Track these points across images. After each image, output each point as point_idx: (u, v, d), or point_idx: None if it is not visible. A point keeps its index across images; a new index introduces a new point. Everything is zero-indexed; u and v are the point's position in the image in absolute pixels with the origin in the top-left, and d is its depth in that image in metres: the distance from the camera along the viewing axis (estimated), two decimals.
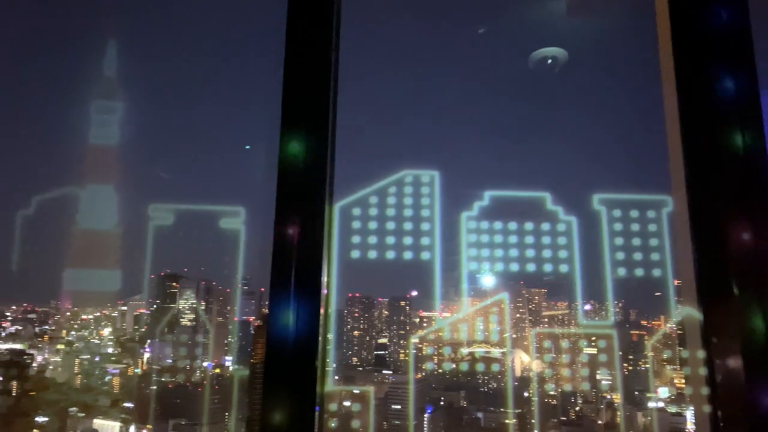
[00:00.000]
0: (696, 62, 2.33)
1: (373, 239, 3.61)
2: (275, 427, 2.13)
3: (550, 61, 3.94)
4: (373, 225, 3.65)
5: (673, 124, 2.43)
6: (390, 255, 3.65)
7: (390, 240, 3.69)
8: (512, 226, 4.10)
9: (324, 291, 2.32)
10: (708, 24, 2.33)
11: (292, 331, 2.20)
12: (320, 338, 2.27)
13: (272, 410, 2.12)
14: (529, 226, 4.10)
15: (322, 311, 2.28)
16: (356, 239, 3.57)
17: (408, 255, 3.74)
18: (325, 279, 2.35)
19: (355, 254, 3.47)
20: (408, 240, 3.78)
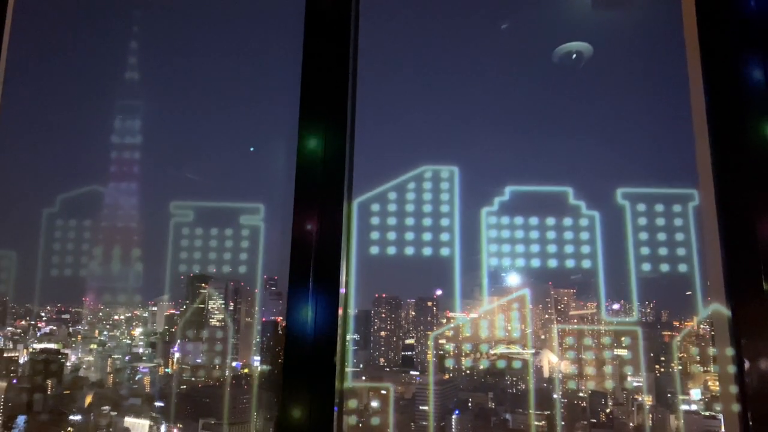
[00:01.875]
0: (723, 51, 2.26)
1: (392, 235, 3.59)
2: (294, 425, 2.13)
3: (574, 56, 3.87)
4: (392, 221, 3.62)
5: (700, 115, 2.37)
6: (409, 251, 3.62)
7: (409, 236, 3.66)
8: (533, 221, 4.04)
9: (342, 290, 2.31)
10: (735, 11, 2.25)
11: (311, 328, 2.20)
12: (339, 336, 2.26)
13: (290, 408, 2.12)
14: (550, 221, 4.03)
15: (340, 311, 2.27)
16: (375, 235, 3.55)
17: (428, 251, 3.70)
18: (343, 278, 2.34)
19: (374, 250, 3.44)
20: (428, 236, 3.74)
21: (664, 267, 3.60)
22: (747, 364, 2.03)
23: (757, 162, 2.13)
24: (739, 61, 2.22)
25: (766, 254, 2.06)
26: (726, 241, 2.18)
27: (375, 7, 2.86)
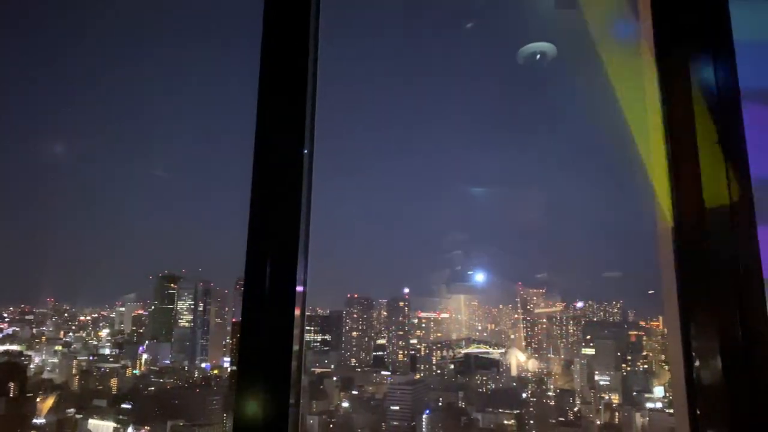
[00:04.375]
0: (677, 50, 2.30)
1: (354, 231, 3.60)
2: (248, 426, 2.10)
3: (539, 56, 3.88)
4: (355, 217, 3.63)
5: (655, 115, 2.40)
6: (372, 248, 3.64)
7: (373, 232, 3.68)
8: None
9: (300, 288, 2.29)
10: (689, 10, 2.30)
11: (266, 326, 2.17)
12: (296, 336, 2.23)
13: (245, 409, 2.09)
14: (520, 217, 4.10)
15: (297, 310, 2.25)
16: (336, 231, 3.55)
17: (391, 248, 3.73)
18: (301, 275, 2.31)
19: (336, 246, 3.45)
20: (391, 233, 3.77)
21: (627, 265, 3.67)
22: (697, 362, 2.07)
23: (708, 160, 2.17)
24: (691, 62, 2.26)
25: (715, 251, 2.10)
26: (678, 238, 2.22)
27: (339, 7, 2.84)
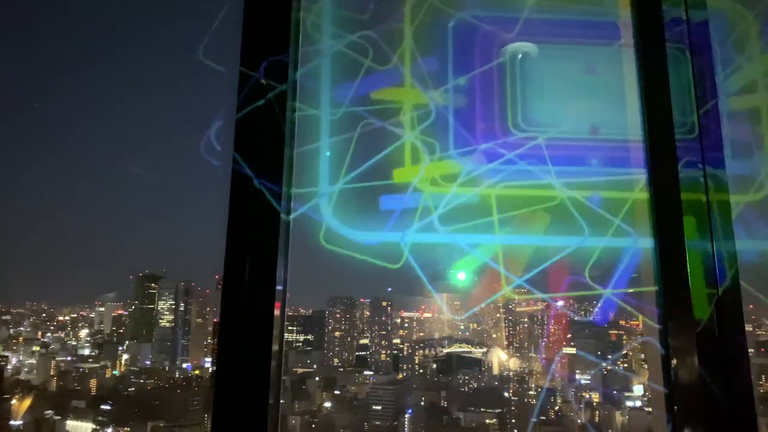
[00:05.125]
0: (656, 46, 2.33)
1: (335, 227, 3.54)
2: (226, 428, 2.09)
3: (520, 56, 3.89)
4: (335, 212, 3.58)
5: (634, 114, 2.43)
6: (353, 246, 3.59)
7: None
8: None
9: (279, 287, 2.27)
10: (668, 9, 2.32)
11: (245, 326, 2.16)
12: (275, 336, 2.22)
13: (223, 410, 2.07)
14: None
15: (277, 310, 2.23)
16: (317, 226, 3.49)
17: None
18: (282, 274, 2.30)
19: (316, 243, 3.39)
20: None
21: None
22: (674, 360, 2.10)
23: (686, 161, 2.20)
24: (667, 59, 2.29)
25: (693, 252, 2.13)
26: (658, 237, 2.24)
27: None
